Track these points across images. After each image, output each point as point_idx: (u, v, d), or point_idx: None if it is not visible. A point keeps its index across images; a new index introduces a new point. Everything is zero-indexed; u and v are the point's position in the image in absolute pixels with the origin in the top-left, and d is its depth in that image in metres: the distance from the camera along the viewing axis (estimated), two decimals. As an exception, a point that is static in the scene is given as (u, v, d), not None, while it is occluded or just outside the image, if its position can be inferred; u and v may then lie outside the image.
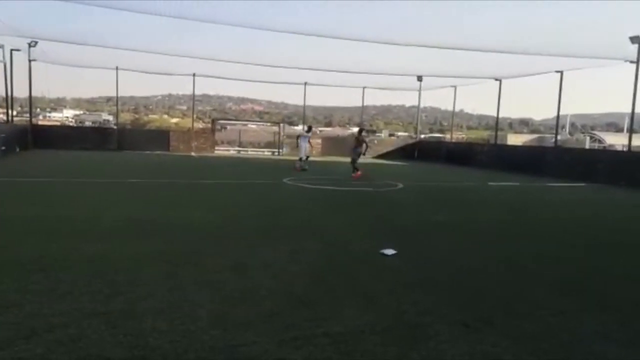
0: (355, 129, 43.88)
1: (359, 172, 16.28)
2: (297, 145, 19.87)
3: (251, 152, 33.01)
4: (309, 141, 19.88)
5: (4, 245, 5.58)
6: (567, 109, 69.89)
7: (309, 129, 21.17)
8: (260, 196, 11.41)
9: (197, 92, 32.01)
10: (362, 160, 17.55)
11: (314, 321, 3.70)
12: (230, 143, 34.50)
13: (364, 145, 17.17)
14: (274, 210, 9.38)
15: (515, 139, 55.84)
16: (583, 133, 66.81)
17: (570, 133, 64.09)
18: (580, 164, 20.40)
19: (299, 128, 41.58)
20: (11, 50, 23.81)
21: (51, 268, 4.73)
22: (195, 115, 35.19)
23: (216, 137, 31.91)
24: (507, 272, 5.50)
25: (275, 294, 4.29)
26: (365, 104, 36.45)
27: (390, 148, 33.66)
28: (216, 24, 20.71)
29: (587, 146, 47.82)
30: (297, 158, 19.43)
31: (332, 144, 32.99)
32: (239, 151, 32.94)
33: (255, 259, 5.46)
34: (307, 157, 19.23)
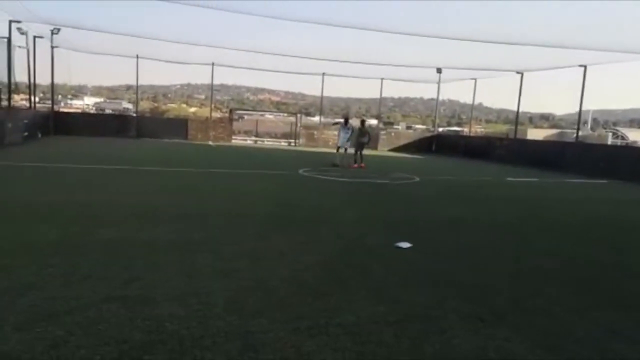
0: (373, 121, 43.54)
1: (362, 164, 16.55)
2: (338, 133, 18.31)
3: (268, 143, 33.12)
4: (353, 130, 17.98)
5: (23, 229, 5.72)
6: (589, 104, 68.66)
7: (345, 121, 18.01)
8: (275, 186, 11.46)
9: (215, 82, 32.14)
10: (372, 152, 17.83)
11: (328, 311, 3.73)
12: (247, 133, 34.64)
13: (367, 135, 17.47)
14: (289, 200, 9.42)
15: (535, 134, 54.95)
16: (605, 129, 65.55)
17: (592, 129, 62.98)
18: (602, 161, 20.03)
19: (316, 119, 41.54)
20: (34, 37, 24.16)
21: (69, 252, 4.83)
22: (213, 105, 35.39)
23: (233, 126, 32.07)
24: (520, 269, 5.45)
25: (289, 284, 4.33)
26: (382, 96, 36.26)
27: (407, 141, 33.45)
28: (235, 13, 20.69)
29: (609, 142, 46.91)
30: (336, 151, 17.85)
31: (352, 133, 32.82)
32: (255, 141, 33.07)
33: (270, 248, 5.50)
34: (345, 149, 17.46)
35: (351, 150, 17.52)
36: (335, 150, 18.00)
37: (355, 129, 17.84)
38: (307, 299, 3.99)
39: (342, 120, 18.87)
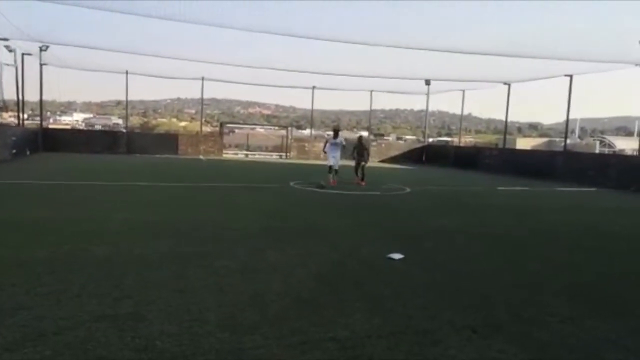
0: (365, 133, 43.76)
1: (363, 182, 15.20)
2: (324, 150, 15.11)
3: (259, 156, 33.11)
4: (343, 146, 15.07)
5: (14, 247, 5.63)
6: (577, 113, 69.65)
7: (335, 134, 15.04)
8: (267, 200, 11.43)
9: (206, 96, 32.23)
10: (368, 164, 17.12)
11: (321, 325, 3.70)
12: (238, 146, 34.62)
13: (366, 153, 16.00)
14: (281, 213, 9.39)
15: (524, 143, 55.50)
16: (592, 137, 66.35)
17: (579, 137, 63.67)
18: (590, 169, 20.25)
19: (307, 132, 41.67)
20: (22, 54, 24.09)
21: (60, 270, 4.77)
22: (203, 119, 35.40)
23: (224, 140, 32.07)
24: (515, 278, 5.45)
25: (282, 298, 4.29)
26: (373, 108, 36.49)
27: (397, 152, 33.64)
28: (224, 28, 20.77)
29: (596, 150, 47.46)
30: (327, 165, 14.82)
31: (348, 149, 32.95)
32: (246, 155, 33.04)
33: (263, 262, 5.47)
34: (335, 170, 14.45)
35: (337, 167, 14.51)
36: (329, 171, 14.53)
37: (344, 143, 15.17)
38: (300, 313, 3.96)
39: (330, 133, 16.18)
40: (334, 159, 14.34)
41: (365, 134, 45.10)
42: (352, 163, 16.27)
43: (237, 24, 19.87)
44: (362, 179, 15.35)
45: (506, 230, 8.76)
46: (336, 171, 14.39)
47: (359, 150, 15.89)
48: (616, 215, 12.02)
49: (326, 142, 15.18)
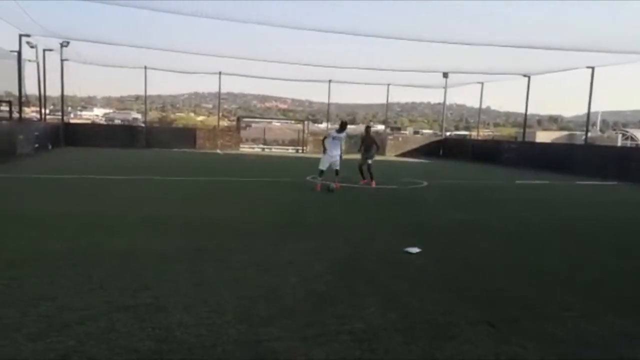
0: (381, 127, 43.25)
1: (373, 182, 12.99)
2: (324, 150, 12.33)
3: (275, 150, 33.21)
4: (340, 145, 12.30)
5: (36, 240, 5.78)
6: (598, 106, 68.14)
7: (342, 127, 12.38)
8: (283, 194, 11.47)
9: (223, 91, 32.38)
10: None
11: (337, 318, 3.72)
12: (254, 141, 34.78)
13: (375, 146, 13.45)
14: (297, 207, 9.43)
15: (544, 136, 54.56)
16: (615, 130, 64.97)
17: (601, 130, 62.46)
18: (612, 162, 19.87)
19: (323, 126, 41.60)
20: (44, 50, 24.51)
21: (81, 263, 4.88)
22: (220, 113, 35.61)
23: (241, 134, 32.23)
24: (532, 273, 5.40)
25: (298, 291, 4.33)
26: (389, 101, 36.28)
27: (415, 145, 33.40)
28: (242, 23, 20.83)
29: (618, 144, 46.48)
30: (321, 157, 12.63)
31: (355, 142, 32.88)
32: (263, 149, 33.18)
33: (279, 256, 5.51)
34: (336, 170, 12.05)
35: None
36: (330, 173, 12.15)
37: (347, 139, 12.77)
38: (316, 306, 3.99)
39: (335, 127, 12.89)
40: (332, 159, 11.89)
41: (381, 127, 44.75)
42: (359, 157, 13.62)
43: (255, 18, 19.89)
44: (372, 178, 13.08)
45: (523, 224, 8.66)
46: (337, 172, 11.97)
47: (367, 143, 13.27)
48: (636, 210, 11.79)
49: (325, 137, 12.59)
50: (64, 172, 13.83)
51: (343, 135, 12.26)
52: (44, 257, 5.07)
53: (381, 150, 31.59)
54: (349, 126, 13.04)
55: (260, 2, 19.31)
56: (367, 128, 14.44)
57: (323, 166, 12.01)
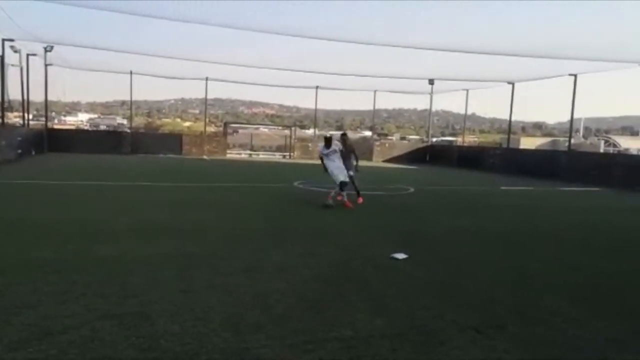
0: (368, 133, 43.25)
1: (360, 198, 11.21)
2: (325, 168, 10.87)
3: (262, 156, 33.14)
4: (342, 156, 10.86)
5: (20, 247, 5.67)
6: (581, 113, 69.19)
7: (327, 142, 10.91)
8: (271, 199, 11.43)
9: (209, 96, 32.20)
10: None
11: (325, 325, 3.70)
12: (241, 146, 34.67)
13: (354, 155, 11.34)
14: (285, 213, 9.40)
15: (528, 143, 55.24)
16: (597, 136, 66.03)
17: (584, 136, 63.42)
18: (595, 168, 20.16)
19: (310, 132, 41.61)
20: (27, 54, 24.19)
21: (66, 270, 4.79)
22: (207, 119, 35.44)
23: (228, 140, 32.15)
24: (519, 278, 5.44)
25: (286, 298, 4.30)
26: (376, 107, 36.45)
27: (401, 152, 33.61)
28: (228, 28, 20.78)
29: (601, 150, 47.23)
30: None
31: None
32: (250, 154, 33.08)
33: (267, 262, 5.48)
34: (343, 182, 10.51)
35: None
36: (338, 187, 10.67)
37: (338, 148, 10.86)
38: (304, 313, 3.96)
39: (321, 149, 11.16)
40: (339, 170, 10.57)
41: (368, 133, 44.85)
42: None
43: (240, 24, 19.86)
44: (358, 193, 11.27)
45: (510, 230, 8.74)
46: (347, 182, 10.66)
47: (344, 153, 11.05)
48: (620, 215, 11.97)
49: (321, 157, 11.03)
50: (47, 178, 13.63)
51: (333, 148, 10.73)
52: (28, 263, 4.97)
53: (368, 156, 31.79)
54: (339, 132, 12.31)
55: (246, 8, 19.26)
56: (343, 135, 12.02)
57: (343, 178, 10.51)
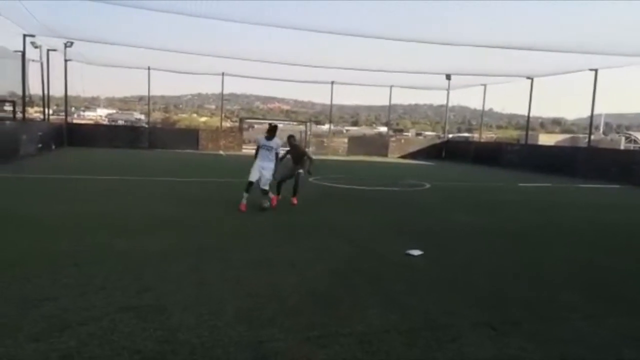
0: (383, 129, 43.04)
1: (294, 198, 9.94)
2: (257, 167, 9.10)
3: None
4: (277, 155, 9.32)
5: (40, 241, 5.79)
6: (601, 108, 67.95)
7: (270, 132, 9.30)
8: (285, 194, 11.45)
9: (225, 92, 32.35)
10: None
11: (339, 320, 3.72)
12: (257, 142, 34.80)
13: (307, 159, 10.11)
14: (298, 208, 9.42)
15: (546, 139, 54.51)
16: (618, 133, 64.82)
17: (604, 133, 62.35)
18: (615, 165, 19.80)
19: (325, 127, 41.56)
20: (48, 50, 24.57)
21: (84, 263, 4.89)
22: (223, 114, 35.65)
23: (244, 135, 32.29)
24: (535, 275, 5.39)
25: (299, 292, 4.33)
26: (392, 103, 36.28)
27: (417, 147, 33.38)
28: (244, 24, 20.85)
29: (622, 147, 46.39)
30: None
31: (358, 144, 32.94)
32: (266, 150, 33.15)
33: (280, 257, 5.52)
34: (263, 190, 9.06)
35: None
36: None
37: (279, 150, 9.37)
38: (318, 307, 3.99)
39: (259, 137, 9.66)
40: (264, 172, 9.00)
41: (384, 129, 44.63)
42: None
43: (258, 19, 19.91)
44: (295, 193, 10.00)
45: (526, 227, 8.64)
46: (265, 191, 9.04)
47: (294, 156, 10.10)
48: (639, 213, 11.76)
49: (257, 146, 9.35)
50: (66, 173, 13.86)
51: (273, 143, 9.16)
52: (47, 257, 5.08)
53: (384, 151, 31.71)
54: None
55: (263, 4, 19.30)
56: (290, 138, 10.35)
57: (252, 177, 8.99)
